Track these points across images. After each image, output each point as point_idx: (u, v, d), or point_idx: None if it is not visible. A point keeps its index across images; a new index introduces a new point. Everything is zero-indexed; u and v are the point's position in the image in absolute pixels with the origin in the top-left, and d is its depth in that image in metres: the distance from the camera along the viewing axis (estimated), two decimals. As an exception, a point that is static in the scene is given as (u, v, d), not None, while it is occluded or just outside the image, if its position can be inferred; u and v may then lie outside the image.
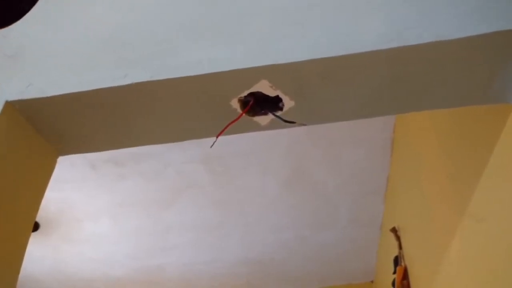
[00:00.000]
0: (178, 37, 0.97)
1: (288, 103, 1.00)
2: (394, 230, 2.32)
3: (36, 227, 2.75)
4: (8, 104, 0.94)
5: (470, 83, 0.96)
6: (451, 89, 0.98)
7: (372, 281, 3.42)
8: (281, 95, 0.98)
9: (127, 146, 1.12)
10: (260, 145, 2.29)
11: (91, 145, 1.10)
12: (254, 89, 0.95)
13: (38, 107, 0.96)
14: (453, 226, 1.41)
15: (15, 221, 0.97)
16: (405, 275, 2.11)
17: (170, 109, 1.00)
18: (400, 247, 2.23)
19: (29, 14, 1.08)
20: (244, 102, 0.99)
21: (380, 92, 0.98)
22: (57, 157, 1.10)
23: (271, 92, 0.97)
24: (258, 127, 1.08)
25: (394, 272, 2.25)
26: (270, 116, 1.03)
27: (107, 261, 3.14)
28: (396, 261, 2.25)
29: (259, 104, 0.99)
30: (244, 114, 1.00)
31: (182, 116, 1.03)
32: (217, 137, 1.04)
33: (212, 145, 1.05)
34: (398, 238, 2.27)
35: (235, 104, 0.99)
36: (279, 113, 1.02)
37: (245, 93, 0.97)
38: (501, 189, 1.07)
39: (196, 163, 2.38)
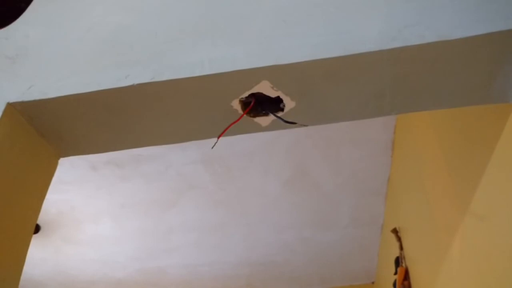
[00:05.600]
0: (179, 38, 0.97)
1: (289, 103, 1.00)
2: (395, 231, 2.32)
3: (37, 229, 2.75)
4: (10, 106, 0.94)
5: (471, 83, 0.96)
6: (452, 88, 0.98)
7: (373, 282, 3.41)
8: (282, 96, 0.98)
9: (129, 147, 1.12)
10: (261, 146, 2.29)
11: (93, 146, 1.10)
12: (255, 90, 0.95)
13: (39, 109, 0.96)
14: (455, 225, 1.41)
15: (16, 224, 0.97)
16: (406, 276, 2.10)
17: (171, 110, 1.00)
18: (401, 248, 2.23)
19: (30, 15, 1.08)
20: (245, 103, 0.99)
21: (381, 92, 0.98)
22: (58, 158, 1.10)
23: (272, 93, 0.97)
24: (259, 128, 1.08)
25: (395, 273, 2.24)
26: (271, 117, 1.03)
27: (109, 263, 3.14)
28: (397, 262, 2.25)
29: (260, 105, 0.99)
30: (245, 115, 1.00)
31: (183, 117, 1.03)
32: (218, 138, 1.04)
33: (213, 146, 1.05)
34: (399, 239, 2.27)
35: (236, 105, 0.99)
36: (280, 114, 1.02)
37: (246, 94, 0.97)
38: (503, 188, 1.07)
39: (197, 164, 2.38)
